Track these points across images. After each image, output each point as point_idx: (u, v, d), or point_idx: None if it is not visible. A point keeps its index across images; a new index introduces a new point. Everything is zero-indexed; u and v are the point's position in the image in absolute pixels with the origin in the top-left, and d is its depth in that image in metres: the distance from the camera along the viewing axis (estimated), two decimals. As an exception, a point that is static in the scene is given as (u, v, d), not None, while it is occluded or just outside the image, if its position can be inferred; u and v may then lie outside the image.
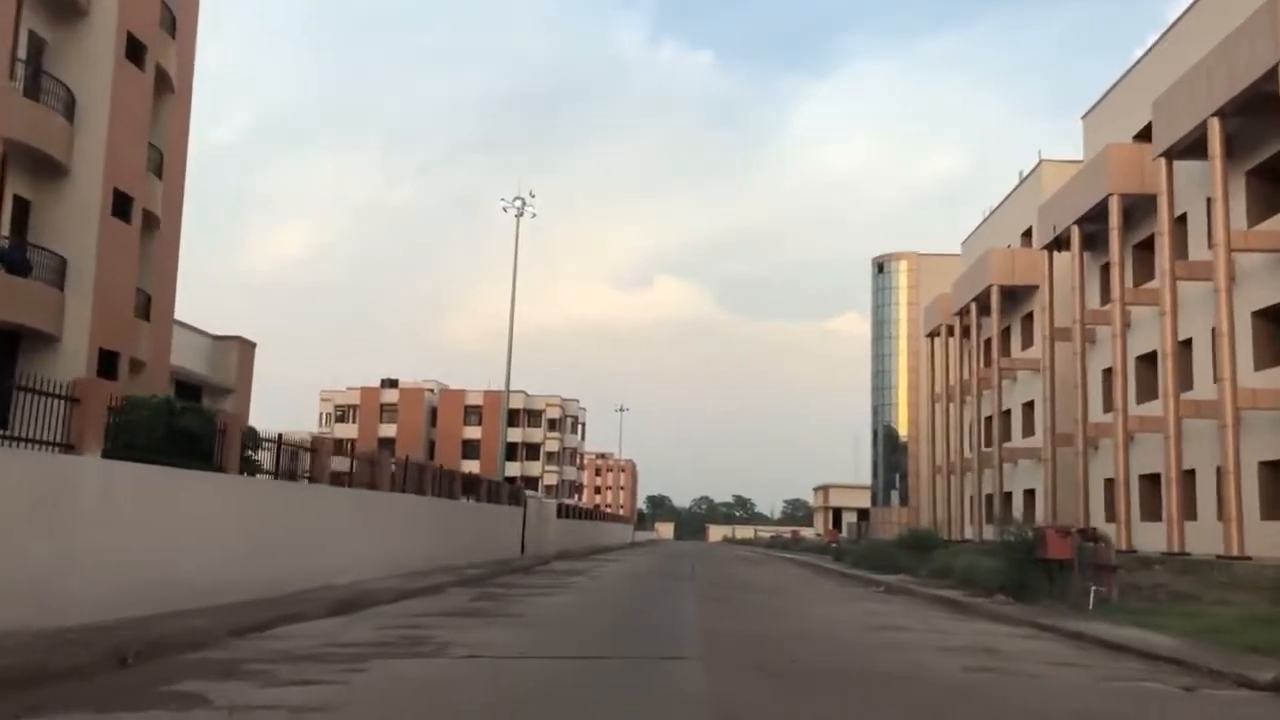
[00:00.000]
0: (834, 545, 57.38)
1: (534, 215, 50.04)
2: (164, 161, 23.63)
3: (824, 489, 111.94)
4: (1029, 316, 49.92)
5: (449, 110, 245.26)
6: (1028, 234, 50.47)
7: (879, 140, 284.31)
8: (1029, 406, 49.34)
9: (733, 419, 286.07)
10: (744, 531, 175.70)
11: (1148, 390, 35.42)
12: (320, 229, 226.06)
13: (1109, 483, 38.46)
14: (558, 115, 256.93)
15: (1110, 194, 34.78)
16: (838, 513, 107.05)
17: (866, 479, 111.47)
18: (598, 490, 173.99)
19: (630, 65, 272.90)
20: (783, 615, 16.01)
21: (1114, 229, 34.72)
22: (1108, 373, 38.95)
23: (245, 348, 28.73)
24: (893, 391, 76.42)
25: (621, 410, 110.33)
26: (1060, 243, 40.56)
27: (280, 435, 16.37)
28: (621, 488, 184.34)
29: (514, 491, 37.34)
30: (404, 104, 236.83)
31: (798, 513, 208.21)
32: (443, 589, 19.19)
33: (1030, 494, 48.87)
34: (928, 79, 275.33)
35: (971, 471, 53.44)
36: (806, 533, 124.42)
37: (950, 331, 58.13)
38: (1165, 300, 30.94)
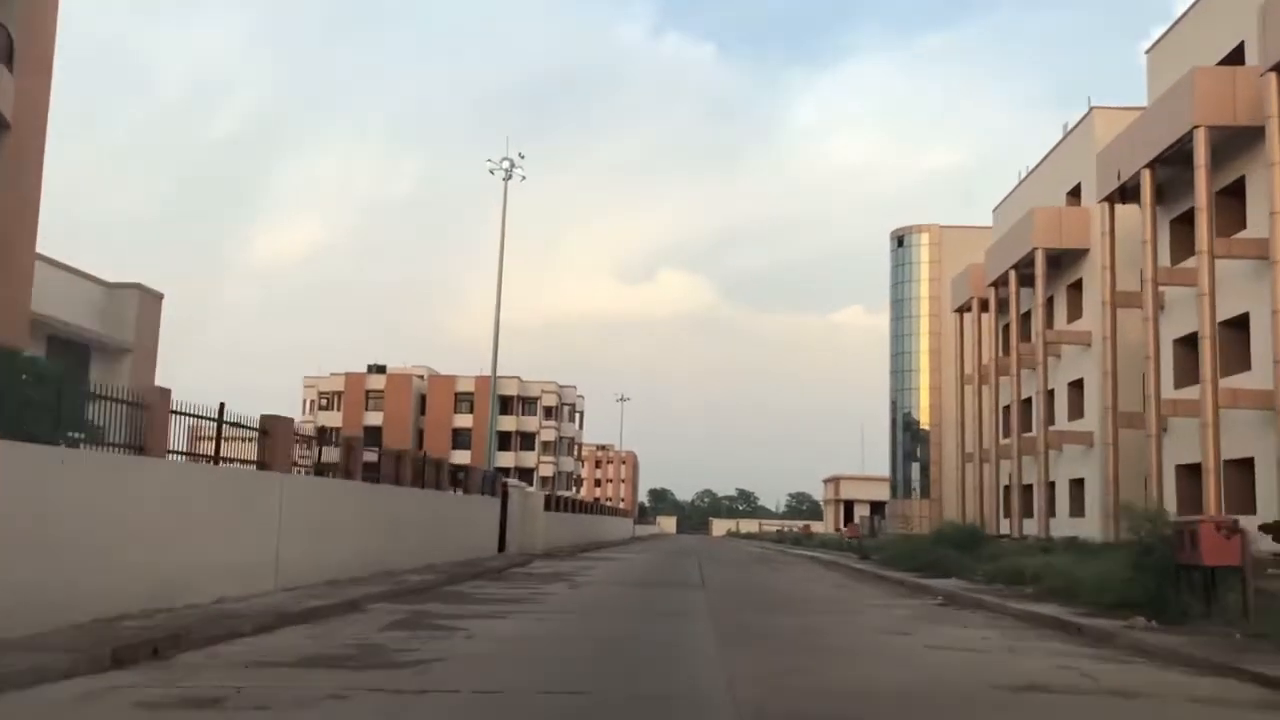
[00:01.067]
0: (855, 541, 51.96)
1: (523, 178, 44.56)
2: (14, 48, 18.23)
3: (834, 480, 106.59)
4: (1076, 285, 44.46)
5: (450, 103, 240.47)
6: (1075, 192, 45.01)
7: (883, 133, 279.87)
8: (1076, 386, 43.91)
9: (736, 412, 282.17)
10: (748, 525, 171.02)
11: (1236, 361, 30.04)
12: (323, 223, 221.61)
13: (1185, 470, 33.06)
14: (560, 107, 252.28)
15: (1197, 126, 29.31)
16: (849, 505, 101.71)
17: (875, 471, 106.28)
18: (597, 483, 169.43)
19: (633, 57, 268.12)
20: (852, 656, 10.54)
21: (1200, 166, 29.25)
22: (1184, 342, 33.53)
23: (149, 300, 23.31)
24: (913, 375, 70.95)
25: (622, 400, 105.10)
26: (1125, 193, 35.11)
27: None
28: (622, 480, 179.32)
29: (490, 480, 31.96)
30: (405, 96, 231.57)
31: (801, 506, 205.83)
32: (360, 606, 13.81)
33: (1078, 484, 43.44)
34: (932, 72, 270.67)
35: (1010, 459, 47.99)
36: (817, 527, 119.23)
37: (983, 306, 52.66)
38: (1276, 247, 25.55)
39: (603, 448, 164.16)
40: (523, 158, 46.13)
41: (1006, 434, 50.45)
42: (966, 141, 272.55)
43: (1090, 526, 40.87)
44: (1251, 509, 28.92)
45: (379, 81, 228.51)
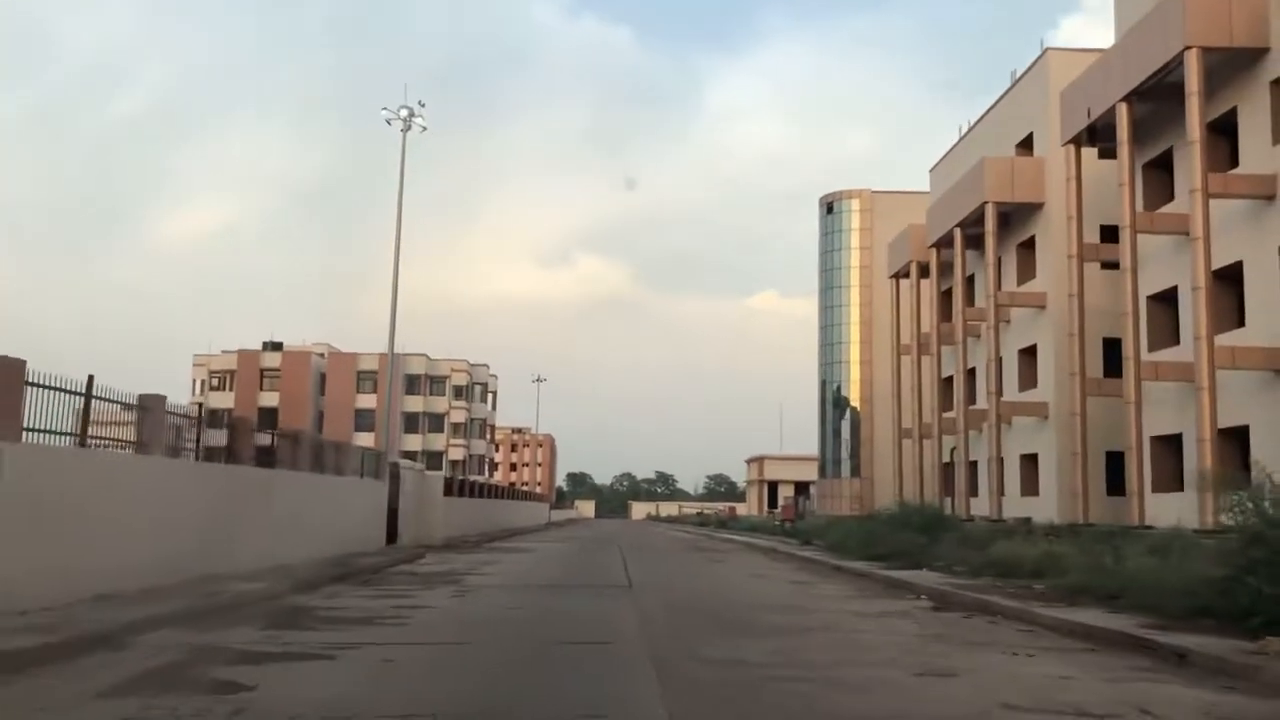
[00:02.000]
0: (789, 525, 48.25)
1: (424, 129, 39.36)
2: None
3: (758, 460, 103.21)
4: (1028, 244, 40.99)
5: (359, 83, 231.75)
6: (1026, 144, 41.50)
7: (799, 117, 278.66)
8: (1028, 354, 40.49)
9: (654, 396, 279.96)
10: (668, 508, 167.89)
11: (1225, 318, 26.62)
12: (228, 205, 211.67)
13: (1161, 442, 29.65)
14: (474, 89, 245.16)
15: (1188, 47, 25.68)
16: (773, 486, 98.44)
17: (797, 451, 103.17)
18: (513, 467, 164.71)
19: (549, 39, 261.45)
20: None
21: (1192, 94, 25.66)
22: (1161, 299, 30.08)
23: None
24: (843, 349, 67.41)
25: (538, 381, 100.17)
26: (1095, 134, 31.53)
27: None
28: (539, 464, 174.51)
29: (374, 460, 27.05)
30: (314, 76, 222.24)
31: (720, 488, 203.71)
32: (114, 641, 9.04)
33: (1030, 460, 40.05)
34: (845, 57, 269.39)
35: (953, 434, 44.52)
36: (739, 509, 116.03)
37: (923, 271, 49.10)
38: (1292, 178, 22.04)
39: (518, 431, 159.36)
40: (423, 105, 40.99)
41: (948, 407, 47.01)
42: (883, 126, 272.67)
43: (1045, 506, 37.48)
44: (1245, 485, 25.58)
45: (286, 62, 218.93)
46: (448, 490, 37.65)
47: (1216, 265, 26.15)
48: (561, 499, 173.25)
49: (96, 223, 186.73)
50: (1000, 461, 39.36)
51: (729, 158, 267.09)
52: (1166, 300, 30.01)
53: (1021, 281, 41.09)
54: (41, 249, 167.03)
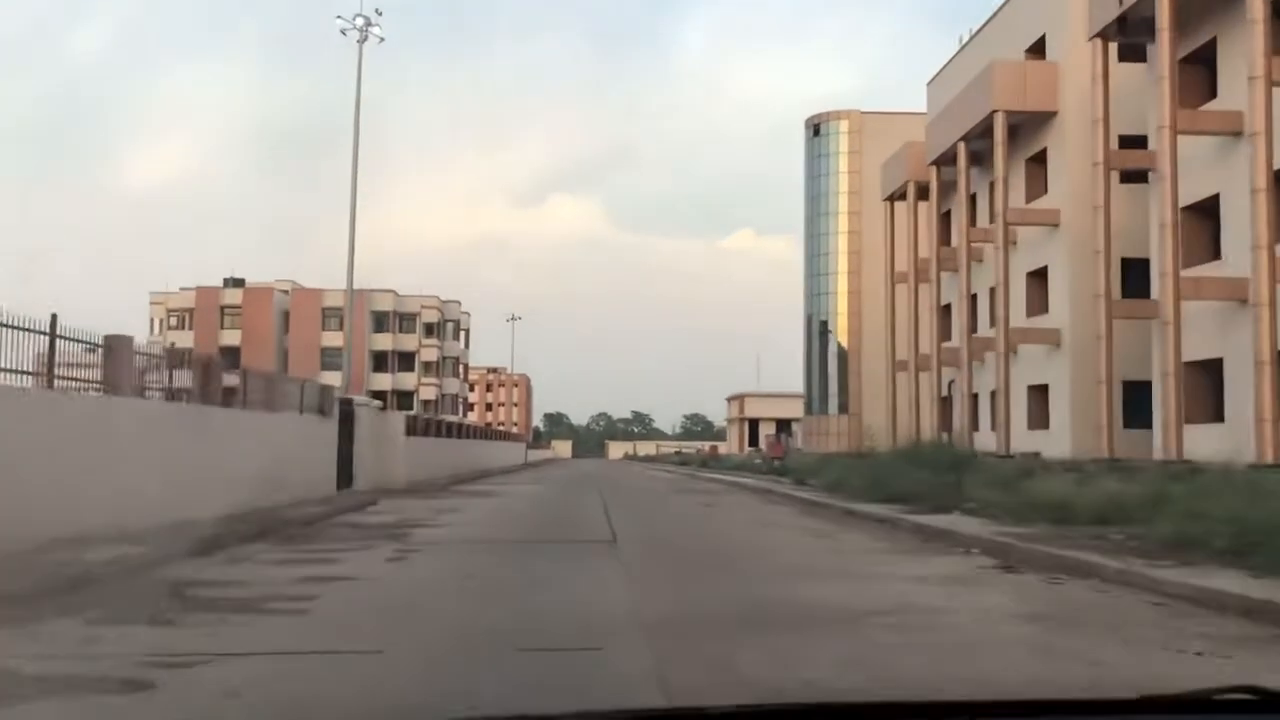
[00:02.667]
0: (779, 462, 45.47)
1: (381, 40, 35.63)
2: None
3: (739, 398, 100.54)
4: (1038, 158, 37.83)
5: (328, 13, 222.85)
6: (1037, 49, 38.15)
7: (777, 55, 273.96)
8: (1038, 277, 37.53)
9: (630, 336, 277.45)
10: (645, 448, 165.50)
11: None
12: (195, 143, 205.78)
13: (1199, 368, 26.83)
14: (446, 21, 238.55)
15: (1250, -89, 22.40)
16: (754, 424, 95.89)
17: (778, 389, 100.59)
18: (489, 407, 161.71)
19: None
20: None
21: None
22: (1198, 210, 27.04)
23: None
24: (830, 279, 64.29)
25: (513, 320, 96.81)
26: (1124, 26, 28.23)
27: None
28: (515, 404, 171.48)
29: (317, 393, 23.78)
30: (284, 9, 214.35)
31: (696, 428, 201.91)
32: None
33: (1039, 392, 37.28)
34: None
35: (953, 366, 41.68)
36: (720, 448, 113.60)
37: (921, 192, 45.87)
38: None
39: (494, 371, 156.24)
40: (380, 15, 37.13)
41: (946, 337, 44.12)
42: (863, 65, 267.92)
43: (1057, 441, 34.78)
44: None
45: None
46: (411, 430, 34.46)
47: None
48: (538, 439, 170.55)
49: (52, 158, 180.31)
50: (1008, 393, 36.50)
51: (706, 95, 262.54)
52: (1203, 211, 27.00)
53: (1030, 199, 37.97)
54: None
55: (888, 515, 18.13)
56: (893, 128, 57.48)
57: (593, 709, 1.92)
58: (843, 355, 64.63)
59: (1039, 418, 37.38)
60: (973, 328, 40.74)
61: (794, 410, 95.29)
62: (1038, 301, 37.62)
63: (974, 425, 41.03)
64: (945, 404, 45.46)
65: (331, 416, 24.24)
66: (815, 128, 64.93)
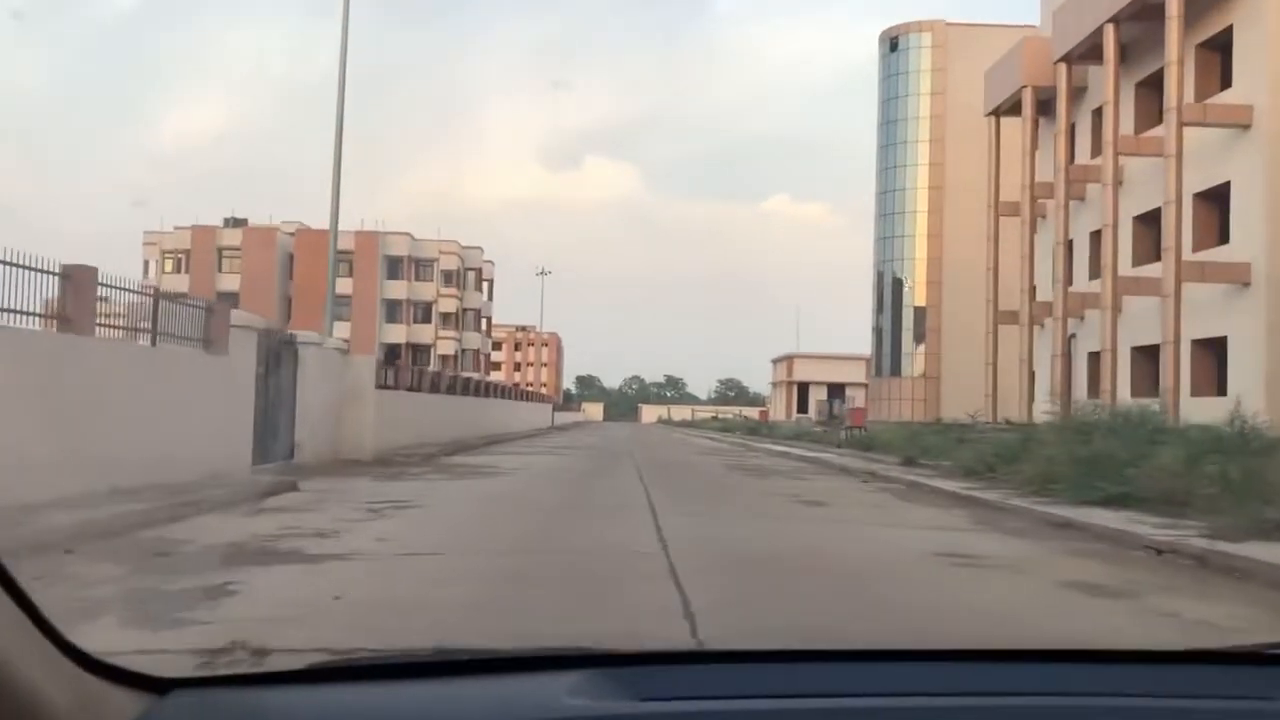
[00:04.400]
0: (859, 431, 36.99)
1: None
2: None
3: (786, 360, 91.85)
4: (1215, 43, 28.88)
5: None
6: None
7: (815, 17, 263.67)
8: (1211, 198, 28.75)
9: (664, 300, 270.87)
10: (680, 412, 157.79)
11: None
12: (237, 98, 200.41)
13: None
14: None
15: None
16: (803, 388, 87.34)
17: (827, 350, 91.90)
18: (517, 367, 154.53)
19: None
20: None
21: None
22: None
23: None
24: (907, 219, 55.29)
25: (543, 274, 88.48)
26: None
27: None
28: (544, 364, 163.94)
29: (208, 319, 15.43)
30: None
31: (729, 392, 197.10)
32: None
33: (1213, 345, 28.64)
34: None
35: (1081, 316, 33.04)
36: (753, 413, 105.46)
37: (1041, 106, 36.99)
38: None
39: (523, 329, 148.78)
40: None
41: (1068, 281, 35.42)
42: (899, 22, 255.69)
43: (1243, 407, 26.15)
44: None
45: None
46: (388, 381, 26.36)
47: None
48: (569, 400, 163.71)
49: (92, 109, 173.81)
50: (1178, 347, 27.81)
51: (741, 57, 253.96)
52: None
53: (1202, 96, 29.09)
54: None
55: (1159, 536, 9.73)
56: (983, 42, 48.45)
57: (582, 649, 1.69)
58: (918, 310, 55.82)
59: (1208, 381, 28.72)
60: (1094, 270, 32.06)
61: (850, 373, 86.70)
62: (1210, 230, 28.87)
63: (1111, 387, 32.43)
64: (1061, 362, 36.89)
65: (238, 354, 16.02)
66: (893, 42, 55.59)
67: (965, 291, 50.01)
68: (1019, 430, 22.94)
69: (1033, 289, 37.15)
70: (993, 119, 40.92)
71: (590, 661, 1.66)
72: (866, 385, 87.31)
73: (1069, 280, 34.93)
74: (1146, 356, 31.66)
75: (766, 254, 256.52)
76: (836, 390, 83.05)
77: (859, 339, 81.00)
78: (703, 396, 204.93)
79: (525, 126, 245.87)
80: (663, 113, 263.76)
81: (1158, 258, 29.67)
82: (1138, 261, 32.00)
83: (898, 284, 56.04)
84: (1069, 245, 35.28)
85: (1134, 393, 30.55)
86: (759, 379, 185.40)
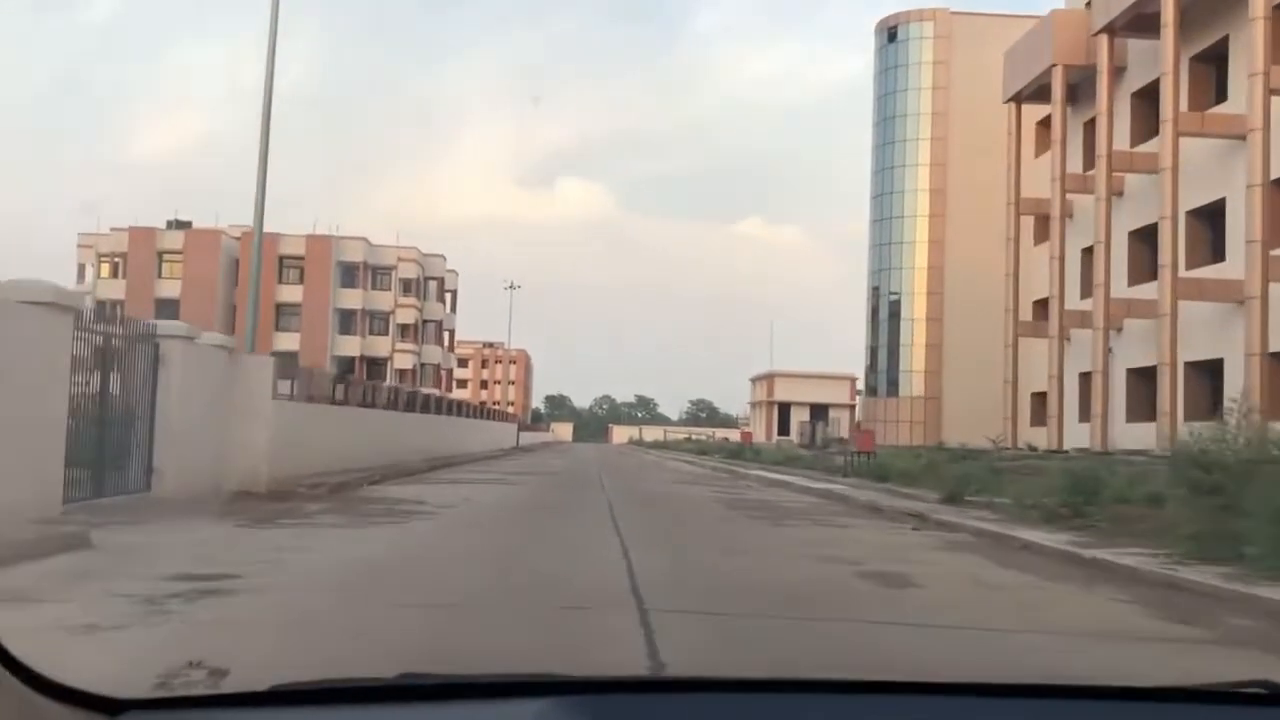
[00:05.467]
0: (868, 457, 32.04)
1: None
2: None
3: (767, 379, 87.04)
4: (1218, 49, 24.51)
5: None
6: None
7: (787, 40, 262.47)
8: (1212, 213, 24.27)
9: (636, 321, 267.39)
10: (652, 432, 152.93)
11: None
12: (206, 117, 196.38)
13: None
14: (457, 3, 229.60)
15: None
16: (785, 408, 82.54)
17: (803, 369, 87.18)
18: (484, 385, 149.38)
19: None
20: None
21: None
22: None
23: None
24: (905, 225, 50.71)
25: (511, 288, 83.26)
26: None
27: None
28: (512, 382, 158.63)
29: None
30: None
31: (701, 413, 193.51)
32: None
33: (1216, 367, 24.01)
34: None
35: (1131, 325, 28.41)
36: (726, 434, 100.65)
37: (1069, 94, 32.54)
38: None
39: (490, 345, 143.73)
40: None
41: (1086, 289, 30.86)
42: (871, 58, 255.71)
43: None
44: None
45: None
46: (299, 390, 21.19)
47: None
48: (537, 420, 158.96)
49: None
50: (1264, 356, 23.12)
51: (715, 80, 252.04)
52: None
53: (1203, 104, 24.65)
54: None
55: None
56: (991, 32, 44.16)
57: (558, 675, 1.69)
58: (917, 324, 51.07)
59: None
60: (1148, 272, 27.50)
61: (834, 394, 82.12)
62: (1217, 245, 24.45)
63: (1143, 411, 27.84)
64: (1085, 381, 32.32)
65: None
66: (890, 32, 51.01)
67: (970, 303, 45.53)
68: (1085, 460, 18.20)
69: (1062, 295, 32.57)
70: (1012, 106, 36.43)
71: (557, 689, 1.64)
72: (852, 406, 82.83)
73: (1107, 289, 30.36)
74: (1201, 373, 27.16)
75: (739, 276, 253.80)
76: (820, 411, 78.43)
77: (835, 360, 76.99)
78: (674, 417, 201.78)
79: (498, 143, 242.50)
80: (637, 131, 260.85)
81: (1224, 258, 25.20)
82: (1194, 264, 27.54)
83: (895, 295, 51.28)
84: (1131, 238, 30.79)
85: (1188, 415, 26.01)
86: (730, 400, 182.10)
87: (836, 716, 1.56)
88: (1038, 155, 42.83)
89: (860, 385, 63.78)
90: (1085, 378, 33.45)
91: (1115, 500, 15.51)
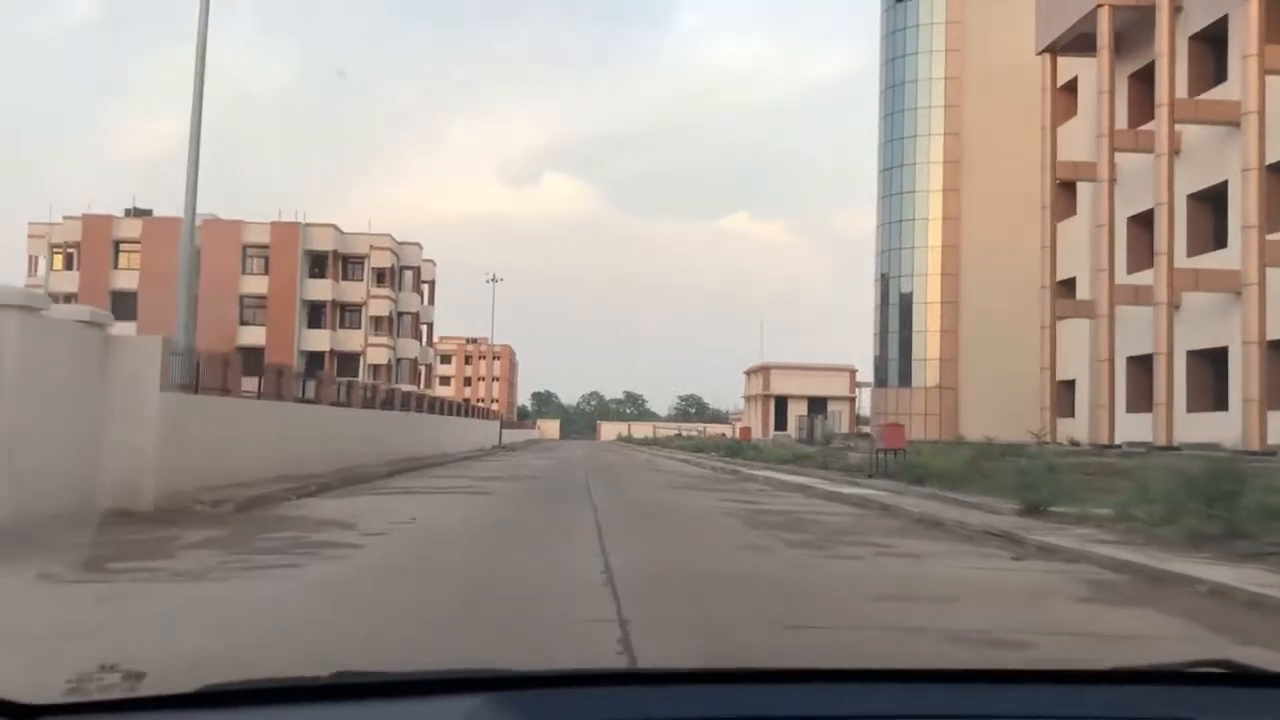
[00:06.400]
0: (899, 454, 28.01)
1: None
2: None
3: (761, 371, 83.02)
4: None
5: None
6: None
7: (771, 37, 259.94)
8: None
9: (623, 317, 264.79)
10: (641, 429, 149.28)
11: None
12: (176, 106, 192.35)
13: None
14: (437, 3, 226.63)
15: None
16: (781, 402, 78.61)
17: (791, 361, 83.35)
18: (468, 381, 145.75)
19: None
20: None
21: None
22: None
23: None
24: (915, 200, 46.72)
25: (493, 280, 79.04)
26: None
27: None
28: (496, 378, 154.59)
29: None
30: None
31: (690, 409, 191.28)
32: None
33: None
34: None
35: (1192, 300, 24.55)
36: (716, 429, 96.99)
37: (1113, 42, 28.65)
38: None
39: (473, 341, 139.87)
40: None
41: (1143, 260, 27.01)
42: (856, 51, 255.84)
43: None
44: None
45: None
46: (211, 380, 17.11)
47: None
48: (524, 417, 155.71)
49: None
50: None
51: (700, 75, 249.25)
52: None
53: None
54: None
55: None
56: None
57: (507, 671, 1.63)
58: (930, 306, 47.14)
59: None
60: (1216, 238, 23.63)
61: (834, 386, 78.32)
62: None
63: (1212, 398, 23.99)
64: (1136, 367, 28.50)
65: None
66: (899, -11, 47.09)
67: (988, 284, 41.74)
68: (1196, 458, 14.27)
69: (1112, 270, 28.69)
70: (1046, 58, 32.48)
71: (495, 685, 1.59)
72: (852, 399, 79.03)
73: (1170, 257, 26.45)
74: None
75: (726, 270, 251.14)
76: (818, 405, 74.62)
77: (826, 353, 73.64)
78: (663, 413, 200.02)
79: (482, 140, 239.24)
80: (622, 128, 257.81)
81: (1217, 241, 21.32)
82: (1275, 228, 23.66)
83: (906, 277, 47.29)
84: (1192, 203, 26.91)
85: (1270, 405, 22.17)
86: (719, 396, 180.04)
87: (810, 706, 1.51)
88: (1064, 121, 39.13)
89: (868, 376, 59.91)
90: (1132, 362, 29.62)
91: (1265, 513, 11.70)
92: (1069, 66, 33.92)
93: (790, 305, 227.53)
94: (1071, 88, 35.54)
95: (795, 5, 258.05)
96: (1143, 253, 28.90)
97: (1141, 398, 28.90)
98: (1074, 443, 30.44)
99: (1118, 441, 27.84)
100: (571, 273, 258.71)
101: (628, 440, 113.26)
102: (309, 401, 22.85)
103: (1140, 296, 27.06)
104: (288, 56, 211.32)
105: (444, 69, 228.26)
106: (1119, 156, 28.41)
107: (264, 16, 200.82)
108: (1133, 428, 28.72)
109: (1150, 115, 28.39)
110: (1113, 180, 28.19)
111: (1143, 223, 28.97)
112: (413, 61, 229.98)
